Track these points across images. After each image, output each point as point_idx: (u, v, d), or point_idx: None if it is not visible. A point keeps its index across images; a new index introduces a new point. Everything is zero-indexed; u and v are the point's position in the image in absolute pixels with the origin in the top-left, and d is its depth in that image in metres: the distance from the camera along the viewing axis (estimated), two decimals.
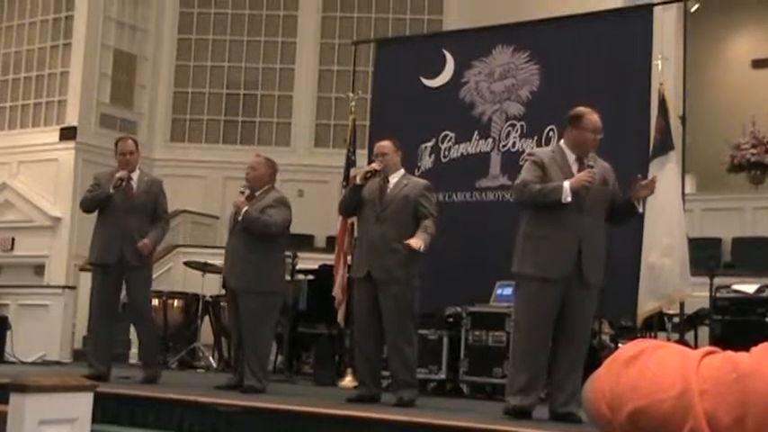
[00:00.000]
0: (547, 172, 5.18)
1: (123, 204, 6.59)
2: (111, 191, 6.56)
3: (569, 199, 5.04)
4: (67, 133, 11.71)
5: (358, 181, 5.94)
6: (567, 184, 5.08)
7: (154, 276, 7.43)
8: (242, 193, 6.42)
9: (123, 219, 6.57)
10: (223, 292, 7.25)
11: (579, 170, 5.18)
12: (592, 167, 5.15)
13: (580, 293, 5.10)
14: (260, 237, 6.30)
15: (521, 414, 5.00)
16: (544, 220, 5.17)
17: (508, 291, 7.02)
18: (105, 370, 6.50)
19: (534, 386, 5.13)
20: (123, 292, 6.72)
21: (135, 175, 6.75)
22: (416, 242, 5.64)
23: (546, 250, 5.12)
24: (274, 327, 6.66)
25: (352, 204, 6.02)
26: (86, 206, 6.77)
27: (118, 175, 6.62)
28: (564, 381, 5.10)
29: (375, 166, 5.92)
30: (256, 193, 6.45)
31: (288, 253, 8.14)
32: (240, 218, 6.30)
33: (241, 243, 6.35)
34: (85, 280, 11.10)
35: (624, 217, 5.35)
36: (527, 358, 5.14)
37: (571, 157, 5.24)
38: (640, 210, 5.24)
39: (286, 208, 6.45)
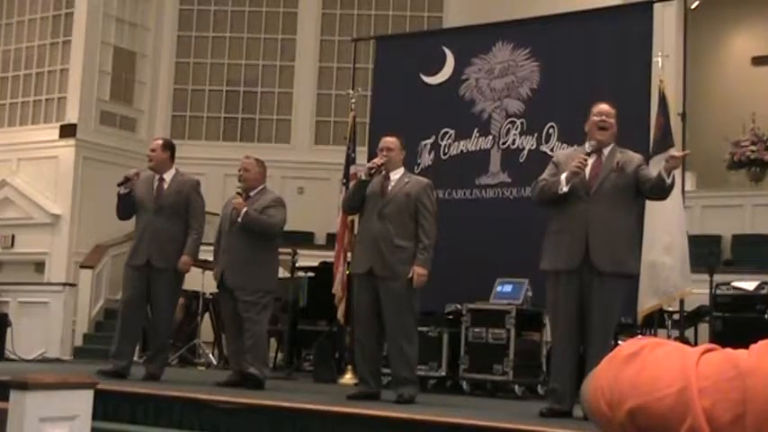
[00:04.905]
0: (561, 169, 5.24)
1: (152, 206, 6.59)
2: (121, 191, 6.57)
3: (565, 189, 5.12)
4: (67, 130, 11.70)
5: (363, 177, 5.95)
6: (563, 175, 5.13)
7: None
8: (239, 194, 6.47)
9: (152, 221, 6.56)
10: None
11: (595, 161, 5.22)
12: (588, 154, 5.18)
13: (592, 282, 5.11)
14: (259, 236, 6.39)
15: (557, 415, 5.01)
16: (557, 214, 5.27)
17: (508, 288, 7.03)
18: (125, 366, 6.54)
19: (564, 386, 5.13)
20: None
21: (168, 176, 6.71)
22: (419, 276, 5.70)
23: (557, 243, 5.22)
24: (268, 323, 6.73)
25: (357, 200, 6.01)
26: (117, 214, 6.80)
27: (126, 174, 6.67)
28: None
29: (377, 161, 5.93)
30: (251, 194, 6.52)
31: (287, 250, 8.16)
32: (240, 219, 6.34)
33: (239, 242, 6.42)
34: (85, 277, 11.14)
35: (655, 191, 5.19)
36: (554, 357, 5.27)
37: (588, 149, 5.28)
38: (668, 181, 5.06)
39: (283, 208, 6.58)
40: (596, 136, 5.27)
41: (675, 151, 6.71)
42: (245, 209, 6.38)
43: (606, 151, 5.28)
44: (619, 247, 5.17)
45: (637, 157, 5.30)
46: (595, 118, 5.29)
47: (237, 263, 6.42)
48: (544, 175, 5.35)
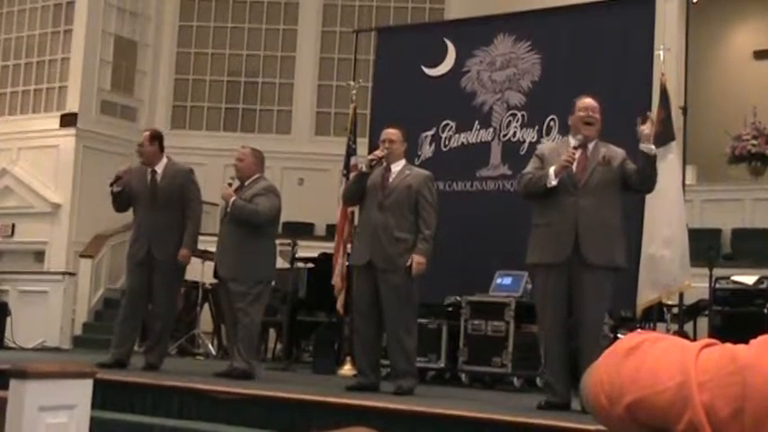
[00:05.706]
0: (546, 162, 5.25)
1: (147, 199, 6.58)
2: (114, 189, 6.57)
3: (554, 182, 5.12)
4: (68, 119, 11.68)
5: (364, 169, 5.96)
6: (551, 168, 5.14)
7: None
8: (230, 184, 6.48)
9: (148, 213, 6.56)
10: None
11: (581, 155, 5.22)
12: (576, 148, 5.19)
13: (581, 275, 5.11)
14: (249, 225, 6.36)
15: (554, 408, 5.01)
16: (544, 207, 5.28)
17: (507, 280, 7.04)
18: (125, 353, 6.55)
19: (558, 380, 5.14)
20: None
21: (160, 167, 6.67)
22: (417, 264, 5.69)
23: (546, 236, 5.22)
24: (262, 313, 6.67)
25: (357, 192, 6.01)
26: (114, 208, 6.81)
27: (117, 172, 6.67)
28: (583, 370, 5.09)
29: (379, 153, 5.93)
30: (245, 183, 6.52)
31: (287, 241, 8.15)
32: (229, 208, 6.35)
33: (231, 232, 6.41)
34: (85, 267, 11.14)
35: (645, 172, 5.16)
36: (546, 351, 5.26)
37: (574, 143, 5.27)
38: (652, 151, 5.08)
39: (274, 196, 6.52)
40: (582, 131, 5.27)
41: (674, 144, 6.72)
42: (232, 198, 6.37)
43: (591, 145, 5.29)
44: (607, 241, 5.18)
45: (620, 152, 5.30)
46: (581, 113, 5.28)
47: (229, 253, 6.41)
48: (529, 168, 5.38)
